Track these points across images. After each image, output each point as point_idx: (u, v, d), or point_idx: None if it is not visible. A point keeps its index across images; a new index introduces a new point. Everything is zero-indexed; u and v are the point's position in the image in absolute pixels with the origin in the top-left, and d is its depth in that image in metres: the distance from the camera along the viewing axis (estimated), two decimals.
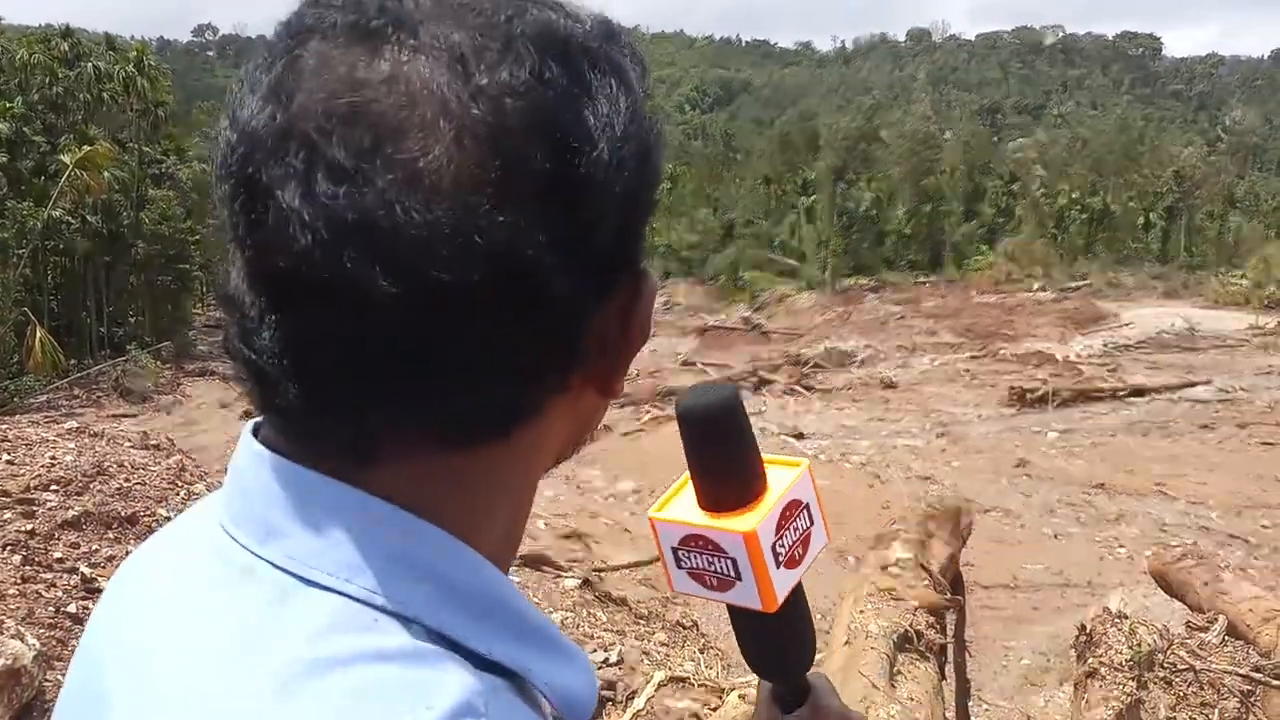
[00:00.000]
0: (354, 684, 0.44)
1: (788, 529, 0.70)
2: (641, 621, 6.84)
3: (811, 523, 0.72)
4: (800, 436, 17.87)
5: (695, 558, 0.70)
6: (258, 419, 0.56)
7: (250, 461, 0.53)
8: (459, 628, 0.49)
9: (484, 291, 0.45)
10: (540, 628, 0.53)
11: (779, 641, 0.75)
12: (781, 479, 0.71)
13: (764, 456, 0.71)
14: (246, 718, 0.45)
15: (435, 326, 0.45)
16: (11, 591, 4.32)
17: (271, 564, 0.50)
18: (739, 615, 0.73)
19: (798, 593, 0.72)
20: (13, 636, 3.77)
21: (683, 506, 0.71)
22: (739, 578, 0.69)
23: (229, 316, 0.50)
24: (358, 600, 0.48)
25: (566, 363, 0.51)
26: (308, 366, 0.47)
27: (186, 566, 0.54)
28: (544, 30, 0.48)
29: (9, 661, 3.63)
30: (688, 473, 0.71)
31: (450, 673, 0.46)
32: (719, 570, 0.69)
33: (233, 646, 0.47)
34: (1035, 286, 43.12)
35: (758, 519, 0.67)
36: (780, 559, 0.69)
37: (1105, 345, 28.74)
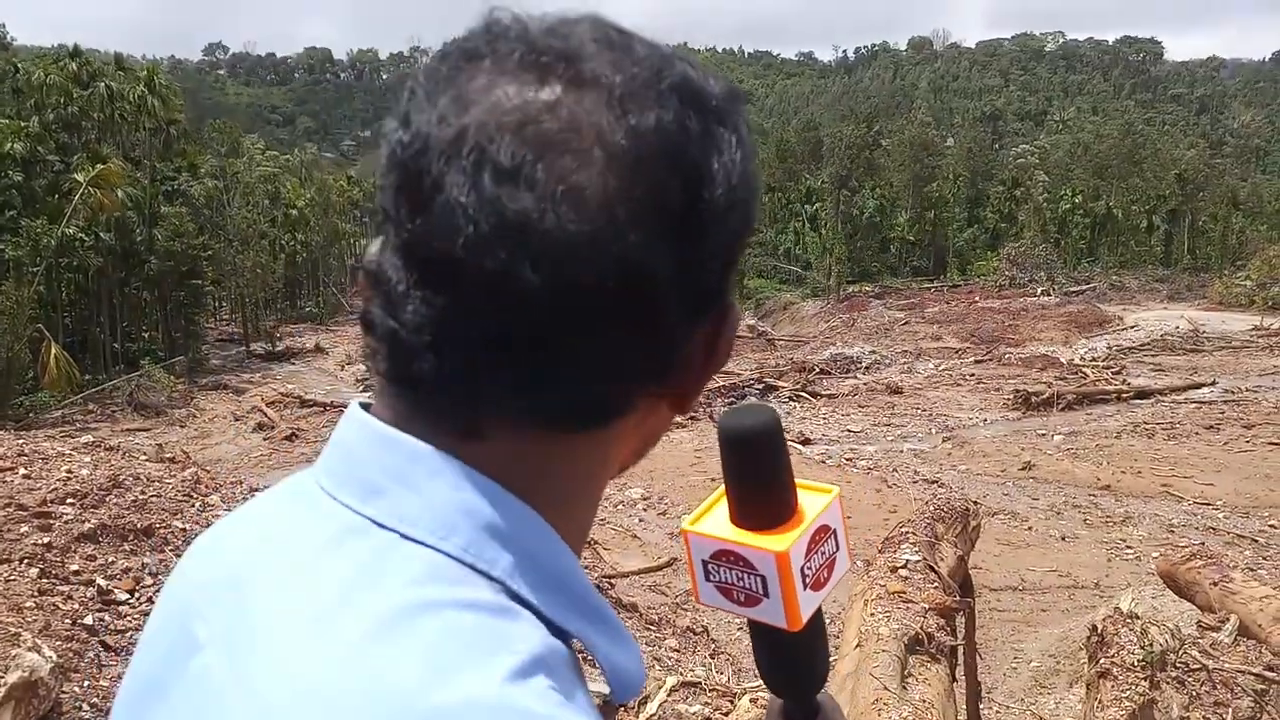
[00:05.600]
0: (446, 625, 0.50)
1: (816, 552, 0.72)
2: (652, 627, 6.85)
3: (837, 548, 0.75)
4: (807, 442, 17.84)
5: (725, 572, 0.73)
6: (366, 399, 0.62)
7: (358, 431, 0.60)
8: (536, 595, 0.55)
9: (612, 297, 0.51)
10: (603, 610, 0.59)
11: (796, 659, 0.78)
12: (813, 504, 0.74)
13: (796, 481, 0.73)
14: (347, 654, 0.49)
15: (564, 322, 0.51)
16: (29, 604, 4.31)
17: (373, 521, 0.55)
18: (760, 631, 0.76)
19: (817, 614, 0.75)
20: (30, 649, 3.76)
21: (717, 521, 0.74)
22: (766, 595, 0.71)
23: (372, 289, 0.56)
24: (451, 557, 0.54)
25: (660, 374, 0.57)
26: (446, 341, 0.53)
27: (285, 525, 0.60)
28: (686, 84, 0.55)
29: (26, 674, 3.63)
30: (723, 487, 0.74)
31: (529, 627, 0.53)
32: (747, 586, 0.72)
33: (334, 593, 0.52)
34: (1039, 291, 43.08)
35: (790, 540, 0.70)
36: (807, 580, 0.71)
37: (1109, 348, 28.66)
